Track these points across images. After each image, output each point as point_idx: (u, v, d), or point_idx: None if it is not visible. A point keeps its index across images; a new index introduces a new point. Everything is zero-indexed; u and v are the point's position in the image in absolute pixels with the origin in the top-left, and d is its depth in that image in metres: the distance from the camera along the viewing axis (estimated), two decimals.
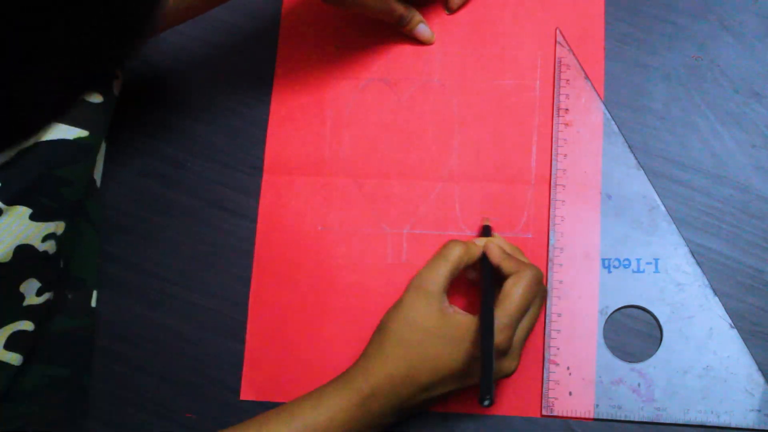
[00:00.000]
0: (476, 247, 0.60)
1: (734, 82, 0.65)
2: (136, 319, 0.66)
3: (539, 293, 0.58)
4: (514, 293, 0.57)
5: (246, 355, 0.65)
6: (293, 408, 0.58)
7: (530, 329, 0.59)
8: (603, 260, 0.63)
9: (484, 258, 0.60)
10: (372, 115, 0.68)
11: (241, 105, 0.69)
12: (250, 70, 0.70)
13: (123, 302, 0.67)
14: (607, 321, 0.63)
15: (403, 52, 0.68)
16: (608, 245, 0.63)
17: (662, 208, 0.64)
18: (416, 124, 0.67)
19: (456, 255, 0.59)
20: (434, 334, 0.57)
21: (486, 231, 0.63)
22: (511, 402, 0.62)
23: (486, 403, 0.51)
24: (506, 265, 0.58)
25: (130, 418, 0.65)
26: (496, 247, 0.59)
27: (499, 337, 0.55)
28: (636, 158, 0.64)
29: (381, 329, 0.59)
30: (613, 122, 0.65)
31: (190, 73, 0.70)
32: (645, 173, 0.64)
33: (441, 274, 0.58)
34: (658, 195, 0.64)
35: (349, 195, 0.67)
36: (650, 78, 0.66)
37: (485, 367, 0.52)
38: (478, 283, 0.61)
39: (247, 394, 0.65)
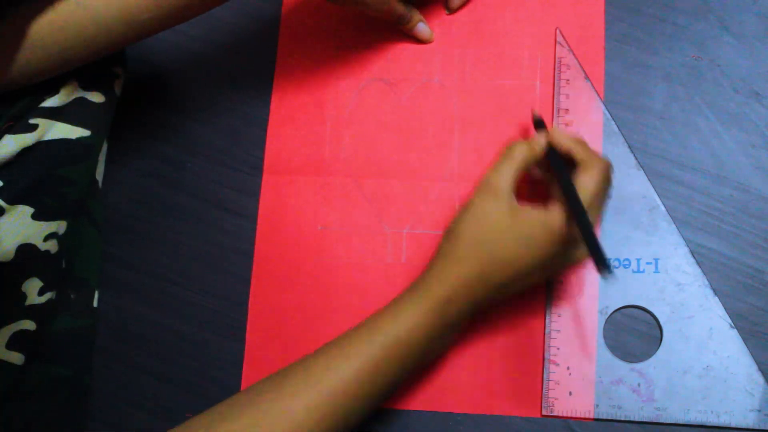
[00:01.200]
0: (539, 144, 0.59)
1: (734, 82, 0.65)
2: (136, 319, 0.66)
3: (608, 185, 0.58)
4: (588, 184, 0.56)
5: (246, 355, 0.65)
6: (371, 324, 0.56)
7: (598, 221, 0.58)
8: None
9: (551, 150, 0.59)
10: (372, 115, 0.68)
11: (241, 105, 0.69)
12: (250, 70, 0.70)
13: (123, 302, 0.67)
14: (607, 321, 0.63)
15: (403, 52, 0.68)
16: (608, 245, 0.63)
17: (662, 208, 0.64)
18: (416, 124, 0.67)
19: (521, 153, 0.58)
20: (506, 233, 0.56)
21: (539, 123, 0.62)
22: (511, 402, 0.62)
23: (608, 273, 0.51)
24: (577, 151, 0.58)
25: (130, 418, 0.65)
26: (562, 134, 0.58)
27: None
28: (636, 158, 0.64)
29: (451, 232, 0.58)
30: (613, 122, 0.65)
31: (190, 73, 0.70)
32: (645, 173, 0.64)
33: (507, 173, 0.57)
34: (658, 195, 0.64)
35: (348, 195, 0.67)
36: (650, 78, 0.66)
37: (590, 242, 0.52)
38: (545, 179, 0.60)
39: None
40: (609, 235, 0.63)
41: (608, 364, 0.62)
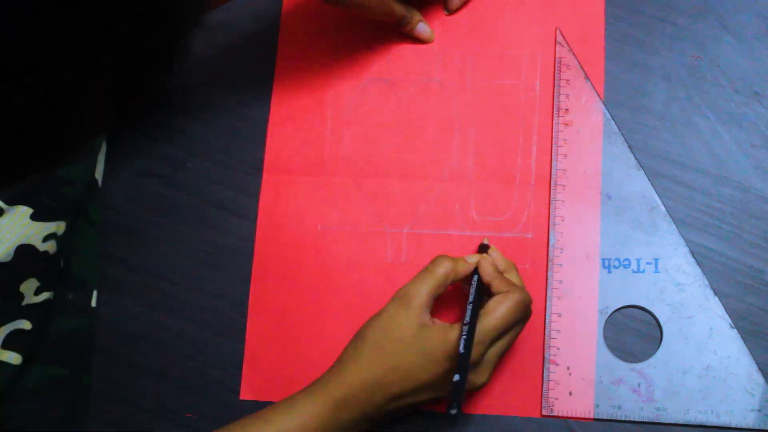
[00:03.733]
0: (466, 264, 0.60)
1: (734, 82, 0.65)
2: (136, 319, 0.66)
3: (523, 317, 0.58)
4: (496, 312, 0.56)
5: (246, 355, 0.65)
6: (267, 414, 0.58)
7: (506, 349, 0.58)
8: (603, 260, 0.63)
9: (476, 273, 0.60)
10: (372, 115, 0.68)
11: (241, 105, 0.69)
12: (250, 70, 0.70)
13: (123, 302, 0.67)
14: (607, 321, 0.63)
15: (403, 52, 0.68)
16: (608, 245, 0.63)
17: (662, 208, 0.64)
18: (416, 124, 0.67)
19: (442, 271, 0.59)
20: (410, 345, 0.57)
21: (483, 249, 0.63)
22: (511, 402, 0.62)
23: (453, 411, 0.51)
24: (496, 285, 0.58)
25: (130, 418, 0.65)
26: (489, 265, 0.59)
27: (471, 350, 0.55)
28: (636, 158, 0.64)
29: (359, 336, 0.59)
30: (613, 122, 0.65)
31: (190, 73, 0.70)
32: (645, 173, 0.64)
33: (424, 288, 0.58)
34: (658, 195, 0.64)
35: (348, 195, 0.67)
36: (650, 78, 0.66)
37: (459, 378, 0.52)
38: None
39: (246, 393, 0.65)
40: (609, 235, 0.63)
41: (608, 364, 0.62)
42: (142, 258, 0.67)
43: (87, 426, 0.64)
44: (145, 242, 0.67)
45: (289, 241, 0.66)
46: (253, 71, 0.69)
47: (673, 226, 0.63)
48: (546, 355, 0.62)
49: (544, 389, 0.62)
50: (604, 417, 0.61)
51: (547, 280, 0.63)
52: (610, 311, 0.63)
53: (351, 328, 0.63)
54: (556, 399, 0.62)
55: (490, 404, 0.63)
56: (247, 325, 0.65)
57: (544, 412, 0.62)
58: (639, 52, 0.67)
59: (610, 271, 0.63)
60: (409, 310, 0.57)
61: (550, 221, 0.64)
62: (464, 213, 0.66)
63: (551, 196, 0.65)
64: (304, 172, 0.67)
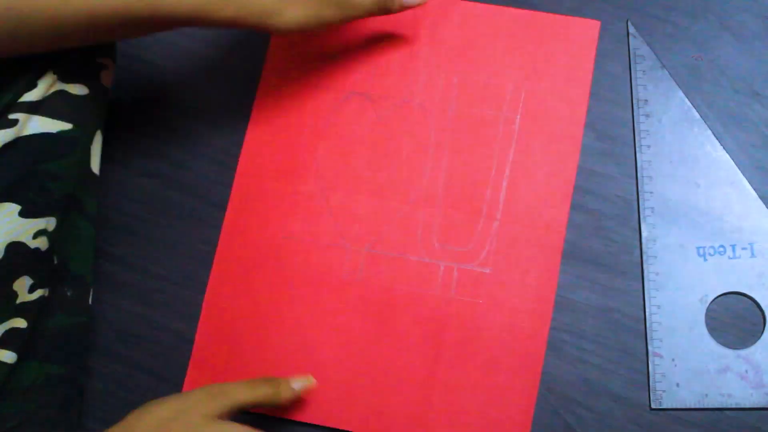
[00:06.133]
0: (289, 390, 0.60)
1: (734, 82, 0.65)
2: (136, 319, 0.66)
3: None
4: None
5: (193, 353, 0.65)
6: None
7: None
8: (698, 248, 0.63)
9: None
10: (349, 129, 0.67)
11: (241, 105, 0.69)
12: (251, 70, 0.70)
13: (123, 302, 0.67)
14: (707, 309, 0.63)
15: (388, 68, 0.68)
16: (701, 233, 0.63)
17: (752, 191, 0.63)
18: (391, 143, 0.67)
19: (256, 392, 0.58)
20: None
21: None
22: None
23: None
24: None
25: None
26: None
27: None
28: (720, 143, 0.64)
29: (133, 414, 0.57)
30: (693, 110, 0.65)
31: (190, 73, 0.70)
32: (731, 158, 0.64)
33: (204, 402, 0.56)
34: (745, 178, 0.63)
35: (314, 206, 0.66)
36: (650, 78, 0.66)
37: None
38: None
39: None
40: (701, 222, 0.63)
41: (713, 352, 0.62)
42: (142, 258, 0.67)
43: (82, 425, 0.64)
44: (144, 242, 0.67)
45: (250, 246, 0.66)
46: (255, 72, 0.69)
47: (765, 209, 0.63)
48: (649, 348, 0.62)
49: (651, 382, 0.62)
50: (715, 406, 0.61)
51: (642, 272, 0.63)
52: (709, 299, 0.63)
53: (299, 340, 0.64)
54: (664, 391, 0.61)
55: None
56: (198, 326, 0.65)
57: (653, 405, 0.61)
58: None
59: (705, 259, 0.63)
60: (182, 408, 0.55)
61: (640, 213, 0.64)
62: (426, 239, 0.65)
63: (638, 188, 0.64)
64: (275, 177, 0.67)
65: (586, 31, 0.67)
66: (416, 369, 0.63)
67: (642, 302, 0.63)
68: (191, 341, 0.66)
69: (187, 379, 0.65)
